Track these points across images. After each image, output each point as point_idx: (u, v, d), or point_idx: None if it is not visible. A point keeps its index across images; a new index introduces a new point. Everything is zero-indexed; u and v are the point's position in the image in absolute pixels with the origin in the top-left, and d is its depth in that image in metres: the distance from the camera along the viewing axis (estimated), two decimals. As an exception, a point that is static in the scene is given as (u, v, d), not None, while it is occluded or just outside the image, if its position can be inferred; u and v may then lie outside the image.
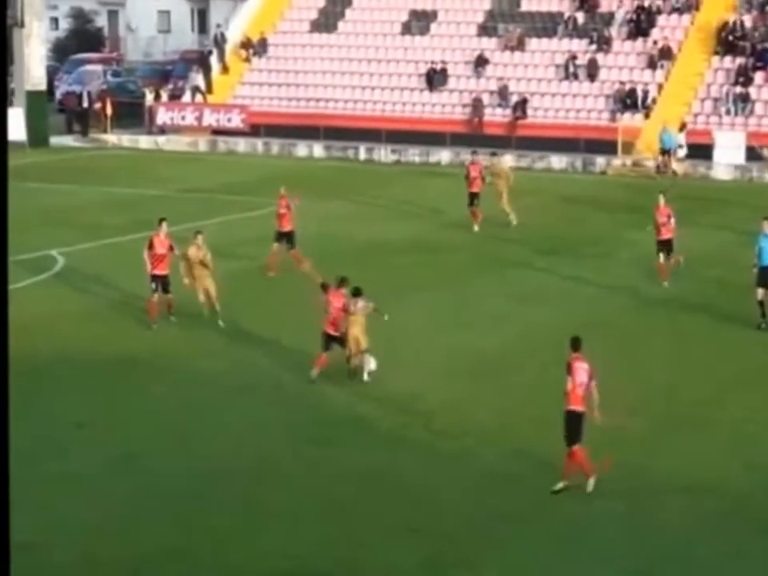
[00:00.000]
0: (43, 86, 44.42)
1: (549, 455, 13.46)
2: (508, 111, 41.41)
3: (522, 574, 12.00)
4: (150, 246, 19.97)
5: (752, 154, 37.89)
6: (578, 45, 42.89)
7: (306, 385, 17.21)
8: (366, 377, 17.22)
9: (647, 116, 40.08)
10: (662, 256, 22.44)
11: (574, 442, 13.32)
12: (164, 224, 20.32)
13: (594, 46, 42.56)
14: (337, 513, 13.26)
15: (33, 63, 44.06)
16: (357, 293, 17.60)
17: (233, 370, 18.09)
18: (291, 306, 21.07)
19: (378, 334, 17.72)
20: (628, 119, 39.86)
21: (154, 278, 19.95)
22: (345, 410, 16.37)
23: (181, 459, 14.76)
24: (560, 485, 13.36)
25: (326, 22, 46.71)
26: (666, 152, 37.31)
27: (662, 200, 22.74)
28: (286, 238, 23.44)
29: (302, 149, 42.10)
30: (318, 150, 41.93)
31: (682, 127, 38.25)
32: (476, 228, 28.07)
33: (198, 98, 45.40)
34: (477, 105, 41.41)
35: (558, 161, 39.57)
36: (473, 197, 28.33)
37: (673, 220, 22.41)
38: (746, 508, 13.43)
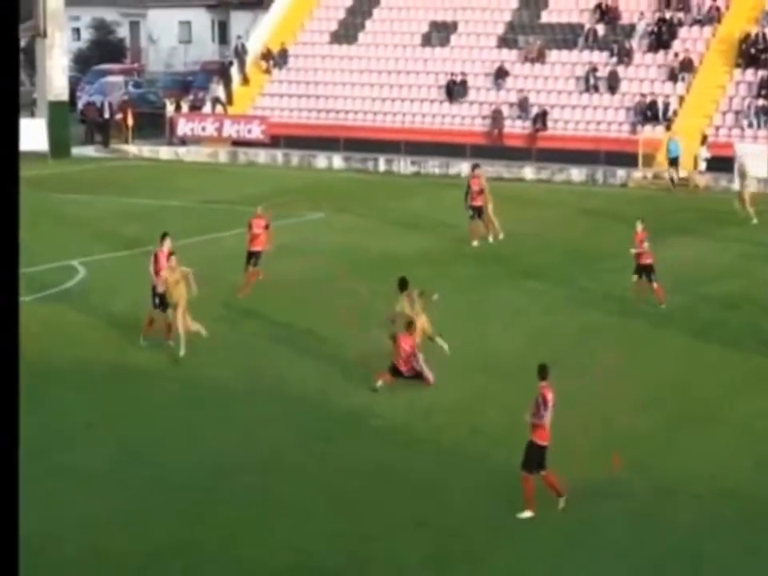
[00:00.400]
0: (65, 97, 44.99)
1: (558, 454, 13.63)
2: (528, 123, 41.65)
3: (529, 570, 12.28)
4: (156, 261, 19.90)
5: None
6: (599, 57, 43.12)
7: (317, 383, 17.71)
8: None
9: (668, 128, 40.24)
10: (635, 277, 22.43)
11: (544, 468, 13.22)
12: (167, 239, 20.12)
13: (614, 59, 42.78)
14: (345, 507, 13.58)
15: (55, 74, 44.64)
16: (403, 285, 18.68)
17: (243, 374, 18.51)
18: (302, 316, 21.46)
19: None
20: (649, 131, 40.00)
21: (155, 293, 19.65)
22: (354, 407, 16.73)
23: (189, 454, 15.15)
24: (528, 513, 13.19)
25: (346, 33, 47.11)
26: (673, 161, 37.44)
27: (639, 226, 22.70)
28: (255, 257, 22.99)
29: (321, 160, 42.45)
30: (337, 161, 42.27)
31: (704, 140, 38.37)
32: (475, 243, 28.04)
33: (219, 109, 45.83)
34: (497, 117, 41.67)
35: (578, 173, 39.77)
36: (475, 211, 28.35)
37: (646, 244, 22.37)
38: (757, 505, 13.70)
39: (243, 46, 47.28)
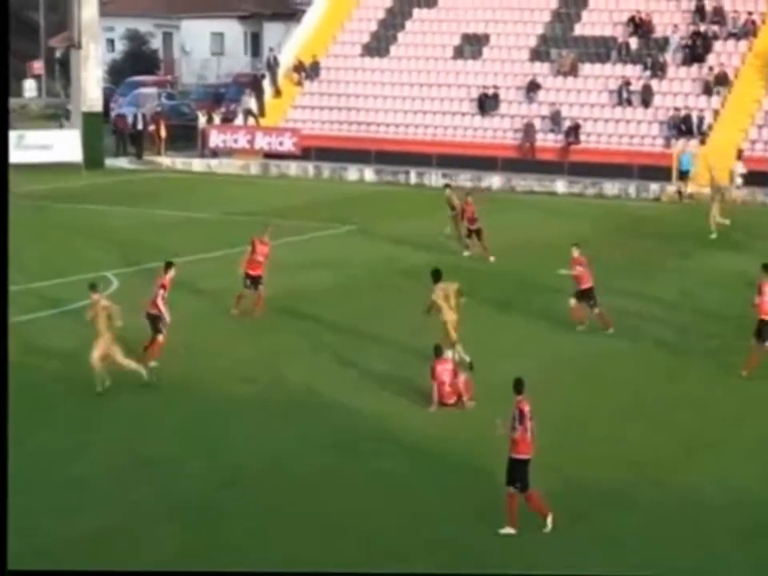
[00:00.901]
0: (99, 108, 45.67)
1: (574, 475, 13.92)
2: (560, 137, 41.90)
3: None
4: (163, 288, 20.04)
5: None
6: (632, 70, 43.33)
7: (335, 397, 17.99)
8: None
9: (703, 142, 40.39)
10: (573, 301, 22.20)
11: (527, 487, 13.42)
12: (172, 269, 20.10)
13: (648, 72, 42.97)
14: (354, 522, 13.81)
15: (89, 85, 45.34)
16: (437, 277, 19.41)
17: (257, 387, 18.85)
18: (327, 328, 21.85)
19: (417, 354, 18.31)
20: (683, 145, 40.14)
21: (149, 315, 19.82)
22: (367, 421, 17.01)
23: (196, 466, 15.48)
24: (510, 530, 13.43)
25: (378, 45, 47.57)
26: (683, 174, 37.46)
27: (575, 252, 22.43)
28: (254, 282, 22.80)
29: (352, 173, 42.89)
30: (368, 174, 42.69)
31: (740, 155, 38.47)
32: (466, 253, 28.45)
33: (251, 121, 46.37)
34: (529, 130, 41.96)
35: (610, 187, 39.97)
36: (473, 233, 28.57)
37: (579, 268, 22.15)
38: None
39: (275, 58, 47.83)
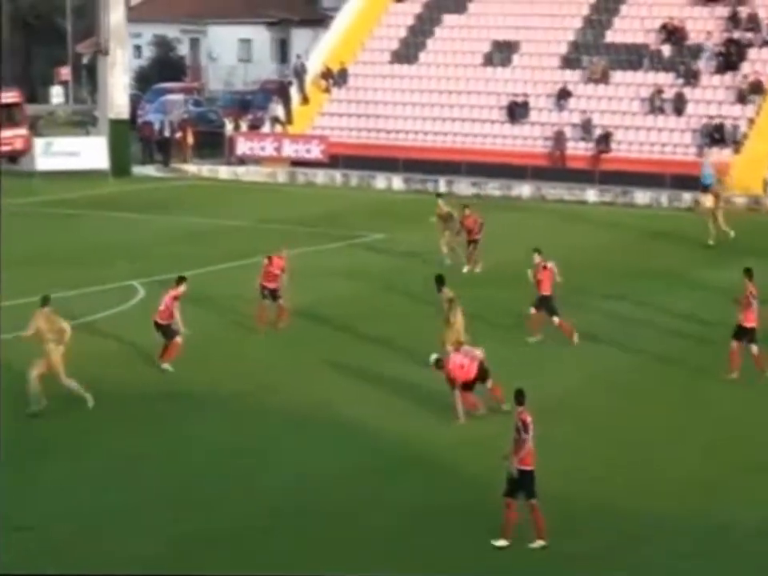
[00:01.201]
0: (126, 115, 45.95)
1: (622, 503, 13.87)
2: (591, 145, 41.82)
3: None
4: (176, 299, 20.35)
5: None
6: (665, 78, 43.21)
7: (380, 420, 17.90)
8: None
9: (737, 151, 40.22)
10: (533, 310, 22.17)
11: (534, 496, 13.60)
12: (183, 284, 20.52)
13: (681, 80, 42.83)
14: (402, 552, 13.74)
15: (116, 91, 45.61)
16: (440, 283, 20.41)
17: (299, 404, 18.83)
18: (356, 341, 21.90)
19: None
20: (716, 154, 39.97)
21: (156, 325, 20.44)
22: (412, 446, 16.94)
23: (242, 494, 15.40)
24: (503, 542, 13.62)
25: (406, 52, 47.64)
26: (705, 188, 37.14)
27: (537, 257, 22.50)
28: (271, 293, 22.91)
29: (380, 181, 42.96)
30: (397, 182, 42.76)
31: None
32: (466, 269, 28.23)
33: (278, 128, 46.53)
34: (559, 138, 41.92)
35: (642, 196, 39.87)
36: (470, 243, 28.53)
37: (539, 275, 22.07)
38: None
39: (303, 64, 48.00)
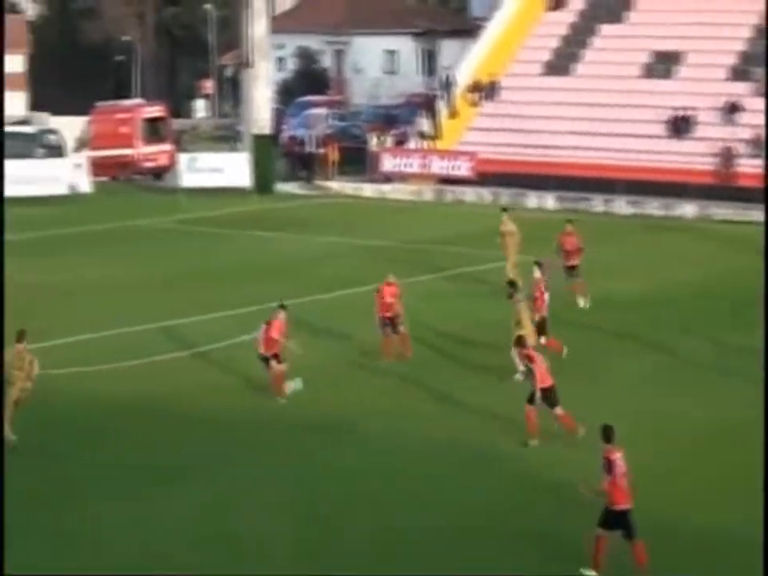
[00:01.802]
0: (269, 130, 46.09)
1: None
2: (763, 162, 40.17)
3: None
4: (269, 329, 20.22)
5: None
6: None
7: (506, 448, 17.71)
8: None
9: None
10: (543, 339, 21.65)
11: (633, 536, 13.40)
12: (283, 312, 20.38)
13: None
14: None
15: (260, 105, 45.76)
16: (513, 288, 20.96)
17: (414, 433, 18.61)
18: (483, 369, 21.28)
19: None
20: None
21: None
22: (543, 475, 16.68)
23: (368, 519, 15.42)
24: (593, 573, 13.52)
25: (560, 64, 46.76)
26: None
27: (536, 272, 22.31)
28: (392, 323, 22.51)
29: (532, 199, 42.08)
30: (549, 201, 41.81)
31: None
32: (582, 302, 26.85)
33: (424, 143, 46.06)
34: (727, 154, 40.46)
35: (818, 217, 38.01)
36: (570, 270, 27.36)
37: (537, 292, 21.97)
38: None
39: (451, 77, 47.52)
